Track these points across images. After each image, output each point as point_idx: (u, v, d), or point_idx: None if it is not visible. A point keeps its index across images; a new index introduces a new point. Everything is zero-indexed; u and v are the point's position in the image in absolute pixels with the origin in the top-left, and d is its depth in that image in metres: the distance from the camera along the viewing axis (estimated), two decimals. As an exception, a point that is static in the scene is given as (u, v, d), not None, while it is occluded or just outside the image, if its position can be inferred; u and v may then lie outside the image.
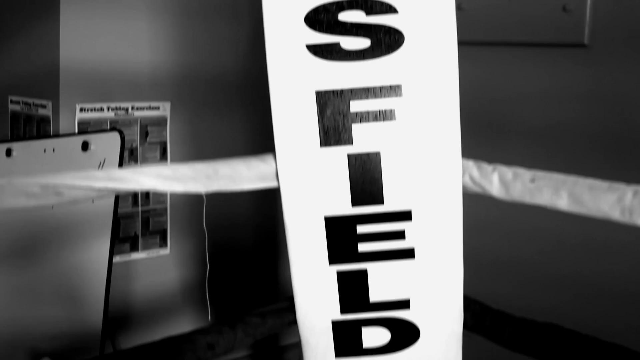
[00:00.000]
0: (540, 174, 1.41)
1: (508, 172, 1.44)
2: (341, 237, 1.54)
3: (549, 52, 2.50)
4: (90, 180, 1.26)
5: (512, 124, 2.60)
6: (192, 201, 2.77)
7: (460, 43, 1.47)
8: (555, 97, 2.48)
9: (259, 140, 2.89)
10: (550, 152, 2.41)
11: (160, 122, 2.90)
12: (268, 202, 2.92)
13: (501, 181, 1.44)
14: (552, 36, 2.47)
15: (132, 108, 2.82)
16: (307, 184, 1.50)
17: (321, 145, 1.48)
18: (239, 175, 1.46)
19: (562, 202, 1.36)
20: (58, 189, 1.22)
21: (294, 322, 1.64)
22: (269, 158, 1.50)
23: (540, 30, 2.49)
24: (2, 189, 1.20)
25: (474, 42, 2.53)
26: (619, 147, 2.30)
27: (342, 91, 1.46)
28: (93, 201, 2.43)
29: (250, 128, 3.12)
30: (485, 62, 2.64)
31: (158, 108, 2.88)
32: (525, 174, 1.42)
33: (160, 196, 2.96)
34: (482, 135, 2.27)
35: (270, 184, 1.50)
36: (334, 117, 1.46)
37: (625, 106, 2.30)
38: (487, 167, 1.47)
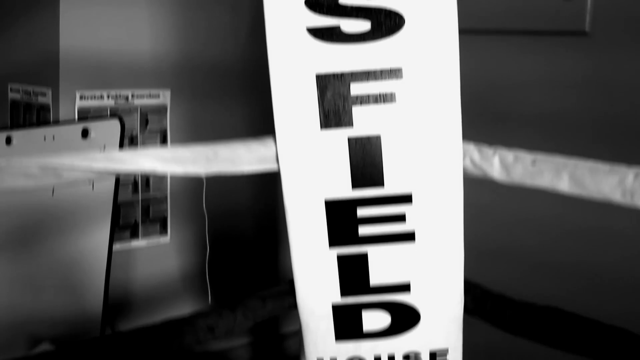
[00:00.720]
0: (541, 156, 1.40)
1: (509, 154, 1.44)
2: (341, 220, 1.54)
3: (549, 40, 2.49)
4: (89, 161, 1.26)
5: (512, 112, 2.60)
6: (193, 189, 2.77)
7: (461, 31, 1.47)
8: (556, 85, 2.47)
9: (260, 127, 2.88)
10: (551, 140, 2.40)
11: (160, 110, 2.89)
12: (268, 186, 2.92)
13: (502, 164, 1.44)
14: (553, 24, 2.46)
15: (132, 96, 2.81)
16: (307, 166, 1.50)
17: (321, 127, 1.47)
18: (239, 157, 1.46)
19: (563, 185, 1.36)
20: (57, 170, 1.22)
21: (294, 305, 1.63)
22: (269, 141, 1.50)
23: (541, 18, 2.49)
24: (1, 170, 1.19)
25: (475, 30, 2.52)
26: (620, 134, 2.30)
27: (342, 74, 1.46)
28: (93, 188, 2.43)
29: (250, 115, 3.11)
30: (485, 51, 2.64)
31: (158, 96, 2.87)
32: (526, 156, 1.42)
33: (161, 184, 2.96)
34: (483, 124, 2.26)
35: (270, 166, 1.50)
36: (334, 99, 1.46)
37: (626, 94, 2.30)
38: (488, 150, 1.47)
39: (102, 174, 1.28)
